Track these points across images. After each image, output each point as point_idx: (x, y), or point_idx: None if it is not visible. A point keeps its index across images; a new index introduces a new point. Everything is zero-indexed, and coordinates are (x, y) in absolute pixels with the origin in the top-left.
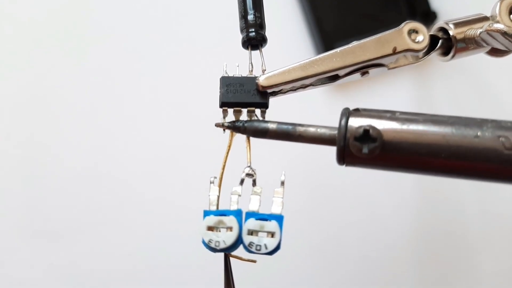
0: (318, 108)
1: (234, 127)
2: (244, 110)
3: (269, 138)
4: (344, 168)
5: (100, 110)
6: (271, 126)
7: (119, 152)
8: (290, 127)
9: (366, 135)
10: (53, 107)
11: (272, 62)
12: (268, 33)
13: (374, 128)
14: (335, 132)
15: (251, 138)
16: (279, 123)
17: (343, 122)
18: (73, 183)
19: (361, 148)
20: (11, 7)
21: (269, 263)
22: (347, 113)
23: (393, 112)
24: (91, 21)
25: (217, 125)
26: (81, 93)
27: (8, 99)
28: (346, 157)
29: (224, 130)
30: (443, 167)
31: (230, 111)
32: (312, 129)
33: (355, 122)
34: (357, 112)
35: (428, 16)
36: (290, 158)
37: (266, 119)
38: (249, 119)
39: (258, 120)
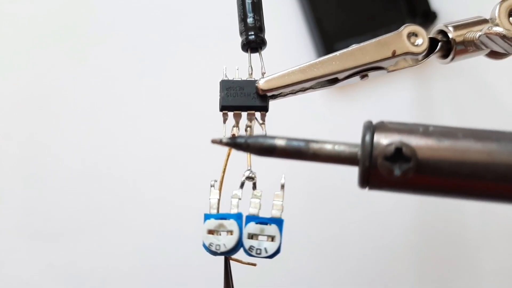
0: (317, 110)
1: (235, 144)
2: (244, 113)
3: (276, 157)
4: (343, 168)
5: (100, 110)
6: (279, 142)
7: (119, 152)
8: (302, 144)
9: (398, 154)
10: (53, 107)
11: (272, 63)
12: (268, 34)
13: (407, 145)
14: (357, 149)
15: None
16: (288, 139)
17: (367, 138)
18: (73, 183)
19: (392, 170)
20: (11, 6)
21: (269, 264)
22: (372, 127)
23: (425, 126)
24: (91, 20)
25: (213, 141)
26: (81, 92)
27: (8, 98)
28: (371, 179)
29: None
30: (489, 191)
31: (230, 114)
32: (328, 147)
33: (382, 138)
34: (383, 125)
35: (428, 16)
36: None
37: (268, 127)
38: (251, 134)
39: (263, 136)
